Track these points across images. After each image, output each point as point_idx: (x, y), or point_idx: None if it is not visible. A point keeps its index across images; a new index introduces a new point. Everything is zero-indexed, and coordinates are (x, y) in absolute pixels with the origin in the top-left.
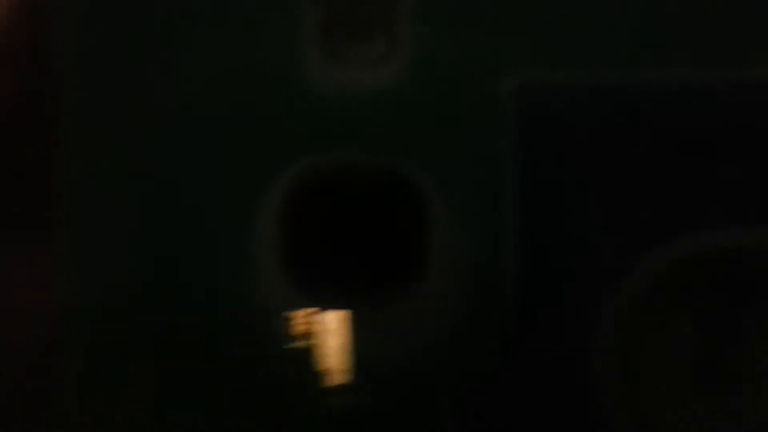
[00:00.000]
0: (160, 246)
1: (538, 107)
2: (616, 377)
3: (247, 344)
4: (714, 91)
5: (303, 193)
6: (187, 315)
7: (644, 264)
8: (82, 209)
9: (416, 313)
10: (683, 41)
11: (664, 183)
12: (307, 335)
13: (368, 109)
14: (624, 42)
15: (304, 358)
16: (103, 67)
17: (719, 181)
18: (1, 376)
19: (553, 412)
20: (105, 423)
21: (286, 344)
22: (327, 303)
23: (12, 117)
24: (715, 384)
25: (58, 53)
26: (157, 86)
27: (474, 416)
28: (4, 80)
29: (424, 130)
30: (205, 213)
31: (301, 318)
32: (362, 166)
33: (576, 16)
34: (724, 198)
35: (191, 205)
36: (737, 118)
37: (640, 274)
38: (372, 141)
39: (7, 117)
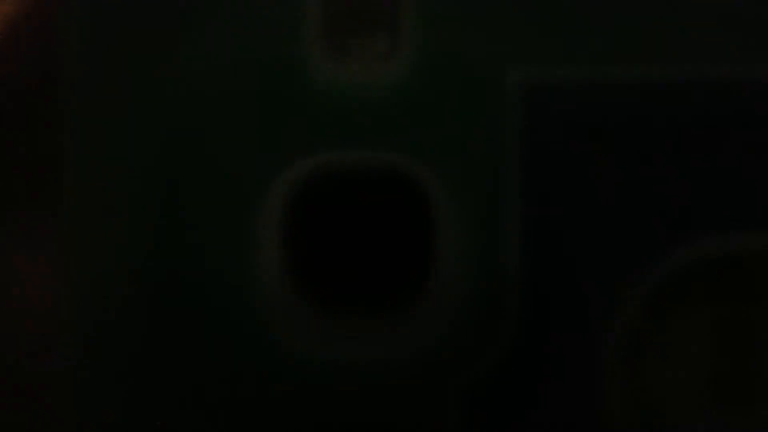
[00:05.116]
0: (158, 248)
1: (544, 104)
2: (623, 380)
3: (248, 349)
4: (731, 89)
5: (305, 193)
6: (188, 318)
7: (653, 266)
8: (81, 212)
9: (420, 314)
10: (697, 37)
11: (674, 184)
12: None
13: (372, 106)
14: (635, 38)
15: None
16: (103, 65)
17: (733, 183)
18: (1, 375)
19: (558, 415)
20: (105, 423)
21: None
22: (330, 306)
23: (19, 111)
24: (727, 390)
25: (65, 47)
26: (158, 83)
27: (478, 418)
28: (13, 72)
29: (429, 128)
30: (206, 213)
31: None
32: (364, 165)
33: (585, 10)
34: (737, 200)
35: (192, 205)
36: (755, 118)
37: (648, 277)
38: (375, 138)
39: (15, 111)
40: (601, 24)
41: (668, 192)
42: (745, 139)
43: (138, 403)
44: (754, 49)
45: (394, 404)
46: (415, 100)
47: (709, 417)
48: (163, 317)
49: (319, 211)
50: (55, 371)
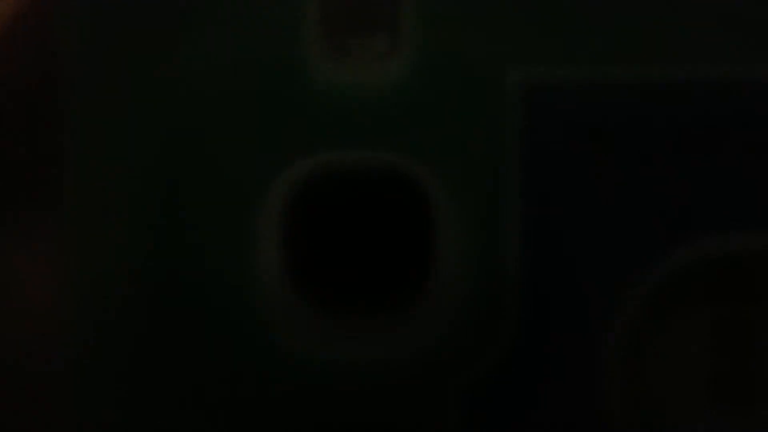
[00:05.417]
0: (158, 248)
1: (544, 104)
2: (623, 380)
3: (248, 349)
4: (731, 89)
5: (305, 193)
6: (188, 318)
7: (653, 266)
8: (81, 212)
9: (420, 314)
10: (697, 37)
11: (674, 184)
12: None
13: (372, 106)
14: (635, 38)
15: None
16: (103, 65)
17: (733, 183)
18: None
19: (558, 415)
20: (105, 423)
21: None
22: (330, 306)
23: (19, 111)
24: (727, 390)
25: (65, 47)
26: (158, 83)
27: (478, 418)
28: (13, 72)
29: (429, 128)
30: (206, 213)
31: None
32: (364, 165)
33: (585, 10)
34: (737, 200)
35: (192, 205)
36: (755, 118)
37: (648, 277)
38: (375, 138)
39: (15, 111)
40: (601, 24)
41: (668, 192)
42: (745, 139)
43: (138, 403)
44: (754, 49)
45: (394, 404)
46: (415, 100)
47: (709, 417)
48: (163, 317)
49: (319, 211)
50: (55, 371)
